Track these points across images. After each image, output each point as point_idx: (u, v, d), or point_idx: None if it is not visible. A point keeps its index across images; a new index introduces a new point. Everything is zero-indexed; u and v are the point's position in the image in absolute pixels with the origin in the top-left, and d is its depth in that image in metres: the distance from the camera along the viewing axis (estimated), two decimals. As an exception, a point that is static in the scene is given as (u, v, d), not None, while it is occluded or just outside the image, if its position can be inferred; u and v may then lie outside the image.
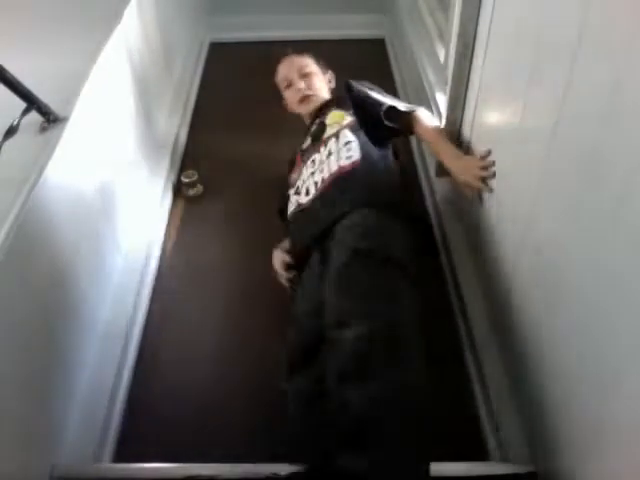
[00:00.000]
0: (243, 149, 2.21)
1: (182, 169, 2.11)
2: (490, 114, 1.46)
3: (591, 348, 0.92)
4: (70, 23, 1.68)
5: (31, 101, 1.23)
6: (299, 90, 1.85)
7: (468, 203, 1.65)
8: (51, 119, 1.28)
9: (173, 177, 2.07)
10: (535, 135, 1.13)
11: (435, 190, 1.88)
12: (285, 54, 1.94)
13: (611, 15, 0.85)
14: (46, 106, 1.26)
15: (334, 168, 1.53)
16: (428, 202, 1.91)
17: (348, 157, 1.53)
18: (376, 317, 1.13)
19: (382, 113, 1.64)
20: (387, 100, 1.70)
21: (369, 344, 1.08)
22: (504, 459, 1.22)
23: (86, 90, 1.40)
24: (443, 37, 2.11)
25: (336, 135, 1.63)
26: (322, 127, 1.73)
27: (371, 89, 1.77)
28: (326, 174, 1.54)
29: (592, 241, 0.91)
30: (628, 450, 0.82)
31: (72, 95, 1.36)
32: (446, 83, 1.71)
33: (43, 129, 1.26)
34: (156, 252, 1.79)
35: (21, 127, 1.22)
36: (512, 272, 1.28)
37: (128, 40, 1.80)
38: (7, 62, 1.13)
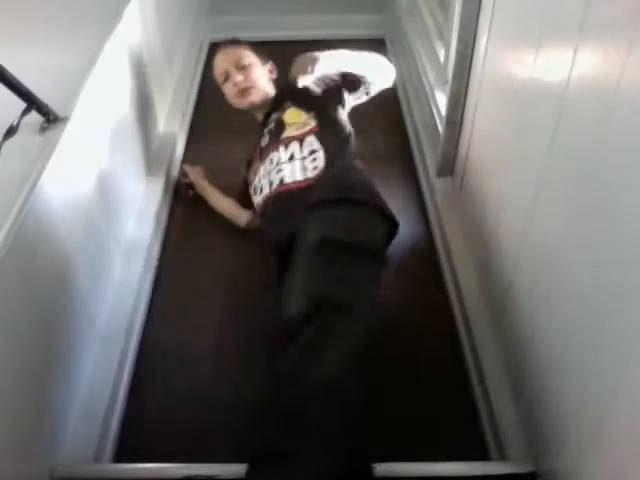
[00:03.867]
0: (243, 148, 2.21)
1: (182, 168, 2.11)
2: (491, 114, 1.46)
3: (591, 347, 0.92)
4: (70, 23, 1.68)
5: (31, 101, 1.23)
6: (236, 84, 1.79)
7: (468, 203, 1.65)
8: (51, 119, 1.27)
9: (173, 176, 2.07)
10: (536, 134, 1.13)
11: (435, 190, 1.88)
12: (223, 45, 1.88)
13: (612, 14, 0.85)
14: (46, 106, 1.26)
15: (299, 177, 1.51)
16: (428, 202, 1.91)
17: (315, 167, 1.52)
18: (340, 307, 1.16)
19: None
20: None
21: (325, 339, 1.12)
22: (504, 459, 1.22)
23: (86, 90, 1.40)
24: (443, 37, 2.11)
25: (300, 140, 1.60)
26: (281, 125, 1.69)
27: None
28: (288, 179, 1.53)
29: (592, 239, 0.91)
30: (628, 450, 0.82)
31: (72, 95, 1.36)
32: (446, 83, 1.71)
33: (43, 129, 1.26)
34: (157, 251, 1.79)
35: (21, 127, 1.22)
36: (512, 271, 1.28)
37: (128, 40, 1.80)
38: (7, 62, 1.13)
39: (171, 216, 1.94)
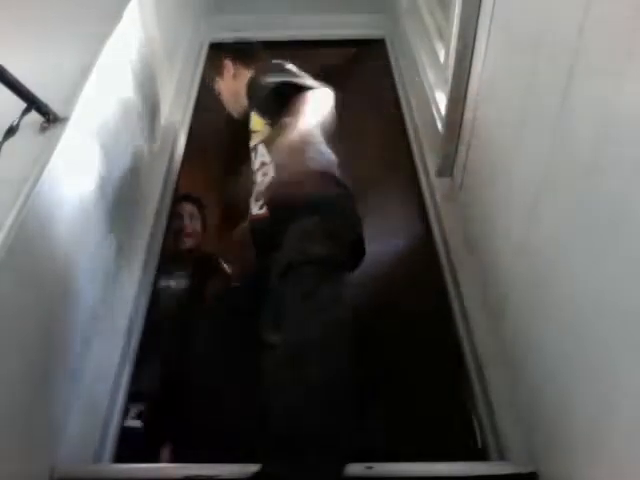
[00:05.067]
0: (243, 148, 2.21)
1: (182, 169, 2.11)
2: (490, 114, 1.46)
3: (590, 348, 0.92)
4: (70, 22, 1.68)
5: (31, 101, 1.23)
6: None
7: (468, 203, 1.66)
8: (51, 119, 1.27)
9: (173, 177, 2.07)
10: (536, 135, 1.13)
11: (435, 190, 1.88)
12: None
13: (612, 15, 0.85)
14: (46, 106, 1.26)
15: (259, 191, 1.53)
16: (428, 202, 1.91)
17: (261, 182, 1.54)
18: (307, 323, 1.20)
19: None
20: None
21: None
22: (504, 459, 1.22)
23: (86, 90, 1.40)
24: (443, 37, 2.11)
25: (255, 148, 1.67)
26: (248, 130, 1.75)
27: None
28: (254, 209, 1.53)
29: (591, 242, 0.91)
30: (627, 450, 0.82)
31: (72, 95, 1.36)
32: (446, 83, 1.71)
33: (43, 129, 1.26)
34: (157, 251, 1.79)
35: (21, 127, 1.22)
36: (512, 272, 1.28)
37: (128, 40, 1.80)
38: (7, 62, 1.13)
39: (171, 216, 1.94)
